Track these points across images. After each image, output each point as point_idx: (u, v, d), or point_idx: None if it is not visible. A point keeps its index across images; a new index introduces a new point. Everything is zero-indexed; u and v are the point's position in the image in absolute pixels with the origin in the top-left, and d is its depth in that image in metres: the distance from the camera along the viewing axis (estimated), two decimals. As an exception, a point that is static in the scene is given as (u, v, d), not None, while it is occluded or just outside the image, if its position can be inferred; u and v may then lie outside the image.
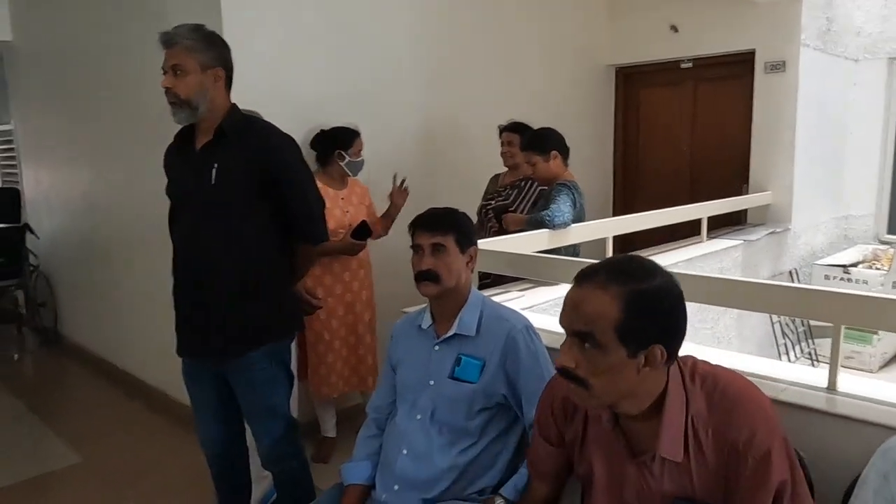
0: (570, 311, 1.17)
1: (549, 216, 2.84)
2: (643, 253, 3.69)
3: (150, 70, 3.45)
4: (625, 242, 3.78)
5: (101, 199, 4.36)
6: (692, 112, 5.07)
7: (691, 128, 5.08)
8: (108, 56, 3.92)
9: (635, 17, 5.03)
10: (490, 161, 3.58)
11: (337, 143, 3.07)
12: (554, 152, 3.10)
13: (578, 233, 2.94)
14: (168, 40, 1.90)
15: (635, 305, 1.12)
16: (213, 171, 1.94)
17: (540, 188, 3.25)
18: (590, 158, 5.01)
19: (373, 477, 1.78)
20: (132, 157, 3.83)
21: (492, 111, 3.84)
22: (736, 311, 3.72)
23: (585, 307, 1.14)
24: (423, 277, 1.71)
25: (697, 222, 3.97)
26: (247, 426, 2.26)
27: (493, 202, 3.43)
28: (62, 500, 2.98)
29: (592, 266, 1.20)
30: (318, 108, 3.29)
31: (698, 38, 4.79)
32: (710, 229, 4.05)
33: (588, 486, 1.35)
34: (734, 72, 4.75)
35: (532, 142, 3.15)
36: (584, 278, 1.18)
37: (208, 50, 1.93)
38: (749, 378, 1.65)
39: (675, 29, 4.87)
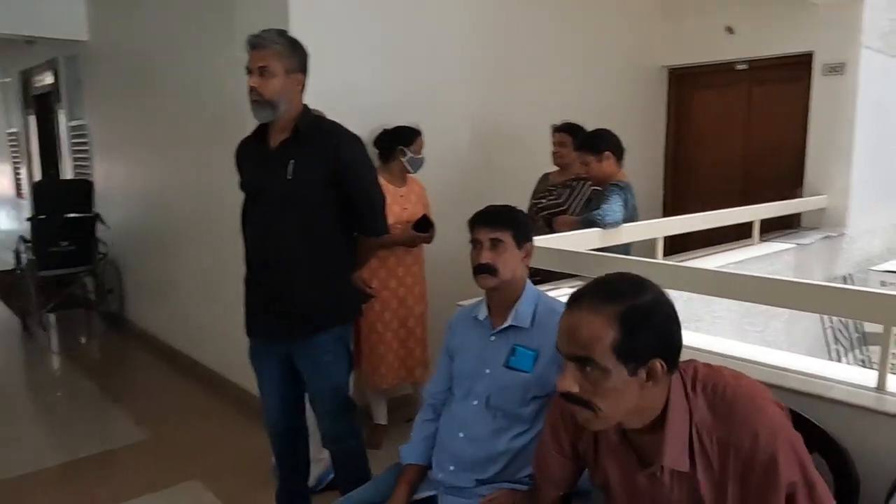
0: (567, 337, 1.17)
1: (600, 216, 2.90)
2: (694, 255, 3.71)
3: (214, 70, 3.66)
4: (675, 244, 3.80)
5: (167, 191, 4.59)
6: (746, 114, 5.02)
7: (745, 130, 5.04)
8: (175, 57, 4.13)
9: (690, 19, 5.02)
10: (540, 160, 3.65)
11: (399, 140, 3.20)
12: (607, 153, 3.14)
13: (630, 232, 2.98)
14: (257, 43, 2.03)
15: (630, 323, 1.12)
16: (290, 166, 2.08)
17: (593, 188, 3.30)
18: (640, 159, 5.00)
19: (429, 457, 1.88)
20: (196, 152, 4.04)
21: (543, 111, 3.91)
22: (786, 315, 3.70)
23: (581, 332, 1.14)
24: (481, 270, 1.80)
25: (749, 225, 3.95)
26: (308, 408, 2.39)
27: (543, 200, 3.50)
28: (130, 473, 3.17)
29: (582, 289, 1.21)
30: (381, 108, 3.43)
31: (754, 40, 4.75)
32: (762, 232, 4.03)
33: (607, 494, 1.37)
34: (791, 74, 4.70)
35: (586, 142, 3.21)
36: (575, 302, 1.19)
37: (293, 55, 2.07)
38: (799, 377, 1.70)
39: (730, 30, 4.84)
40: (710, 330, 3.11)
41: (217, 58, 3.59)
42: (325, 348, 2.19)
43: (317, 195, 2.12)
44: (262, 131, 2.19)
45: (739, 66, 4.96)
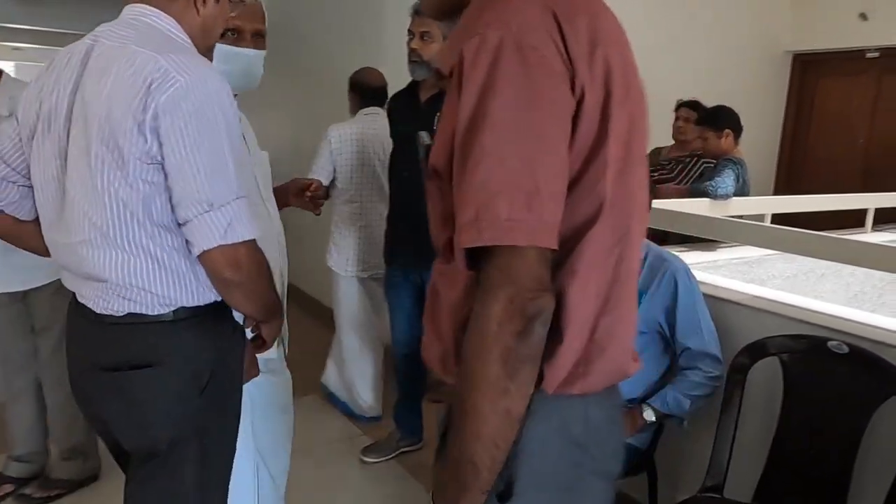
0: None
1: (712, 186, 3.05)
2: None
3: (350, 37, 4.01)
4: (787, 224, 3.80)
5: (301, 145, 5.06)
6: (873, 104, 4.92)
7: (871, 121, 4.94)
8: (318, 26, 4.56)
9: (821, 4, 4.94)
10: (654, 133, 3.78)
11: None
12: (727, 130, 3.28)
13: (738, 206, 3.11)
14: (421, 10, 2.35)
15: None
16: (436, 119, 2.39)
17: (705, 164, 3.44)
18: (753, 141, 5.00)
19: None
20: (323, 113, 4.47)
21: (659, 87, 3.99)
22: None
23: None
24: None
25: (865, 216, 3.88)
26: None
27: (655, 174, 3.66)
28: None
29: None
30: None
31: (889, 27, 4.64)
32: (881, 223, 3.96)
33: None
34: (926, 64, 4.58)
35: (709, 117, 3.35)
36: None
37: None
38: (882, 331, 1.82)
39: (864, 17, 4.74)
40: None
41: (357, 28, 3.97)
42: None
43: (457, 145, 2.42)
44: (413, 87, 2.52)
45: (870, 54, 4.86)
